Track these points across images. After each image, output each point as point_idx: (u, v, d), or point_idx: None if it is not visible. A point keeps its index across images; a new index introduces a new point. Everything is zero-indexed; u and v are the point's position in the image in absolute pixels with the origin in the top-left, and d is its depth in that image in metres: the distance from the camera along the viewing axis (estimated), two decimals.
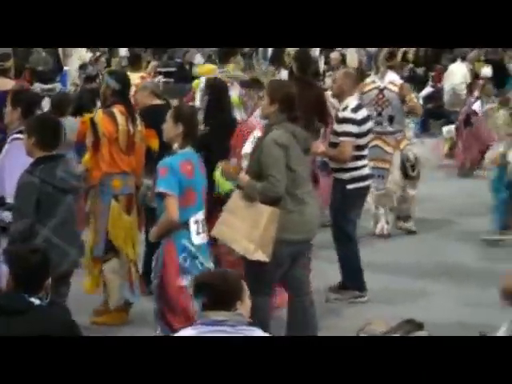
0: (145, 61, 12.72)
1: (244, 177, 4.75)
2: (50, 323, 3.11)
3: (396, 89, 7.80)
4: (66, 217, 4.68)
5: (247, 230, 4.52)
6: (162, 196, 4.31)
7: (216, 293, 2.89)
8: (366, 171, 6.37)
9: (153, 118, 5.62)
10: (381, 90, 7.81)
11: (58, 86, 11.94)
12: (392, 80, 7.92)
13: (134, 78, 8.53)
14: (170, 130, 4.49)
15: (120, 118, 5.43)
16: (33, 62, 13.00)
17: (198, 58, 14.65)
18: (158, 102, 6.44)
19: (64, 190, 4.67)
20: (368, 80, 8.20)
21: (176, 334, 3.09)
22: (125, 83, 5.78)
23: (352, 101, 6.21)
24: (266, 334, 3.08)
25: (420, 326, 4.64)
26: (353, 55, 14.11)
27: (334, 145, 6.18)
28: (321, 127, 7.08)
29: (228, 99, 6.50)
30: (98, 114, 5.56)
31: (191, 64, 14.16)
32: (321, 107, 7.18)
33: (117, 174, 5.47)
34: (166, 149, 4.82)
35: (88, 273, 5.57)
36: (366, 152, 6.38)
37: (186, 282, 4.22)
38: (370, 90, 7.88)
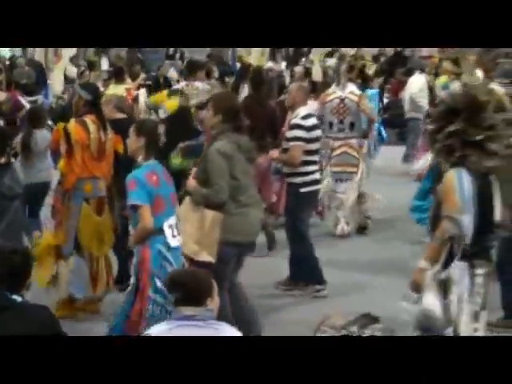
0: (136, 72, 13.26)
1: (191, 183, 5.08)
2: (32, 320, 3.19)
3: (356, 98, 8.35)
4: (13, 222, 4.95)
5: (193, 233, 4.87)
6: (134, 208, 4.57)
7: (187, 290, 3.12)
8: (316, 176, 6.82)
9: (115, 131, 6.00)
10: (342, 100, 8.34)
11: (40, 98, 12.34)
12: (352, 90, 8.47)
13: (119, 90, 9.53)
14: (132, 144, 4.75)
15: (92, 127, 5.74)
16: (16, 75, 13.67)
17: (171, 72, 14.97)
18: (120, 116, 6.73)
19: (12, 197, 4.94)
20: (330, 90, 8.69)
21: (150, 330, 3.29)
22: (96, 95, 6.12)
23: (303, 110, 6.68)
24: (234, 329, 3.27)
25: (376, 320, 4.93)
26: (317, 69, 14.77)
27: (285, 150, 6.66)
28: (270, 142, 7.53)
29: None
30: (71, 123, 5.81)
31: (165, 78, 14.51)
32: (271, 124, 7.73)
33: (88, 178, 5.78)
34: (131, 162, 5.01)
35: (39, 266, 5.65)
36: (316, 158, 6.85)
37: (159, 284, 4.44)
38: (332, 100, 8.42)
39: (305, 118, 6.57)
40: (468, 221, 3.83)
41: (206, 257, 4.81)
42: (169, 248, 4.58)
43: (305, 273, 6.67)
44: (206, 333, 3.00)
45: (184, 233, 4.78)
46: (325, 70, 14.64)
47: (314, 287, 6.58)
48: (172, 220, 4.68)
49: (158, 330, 3.17)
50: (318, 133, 6.80)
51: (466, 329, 3.89)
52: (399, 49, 17.62)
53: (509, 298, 5.68)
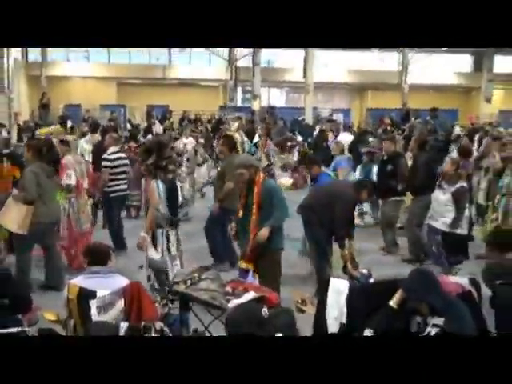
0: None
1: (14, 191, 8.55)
2: None
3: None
4: None
5: (14, 217, 7.73)
6: None
7: (95, 255, 5.26)
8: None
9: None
10: None
11: None
12: None
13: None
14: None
15: None
16: None
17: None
18: None
19: None
20: None
21: (74, 280, 5.06)
22: None
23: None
24: (123, 278, 5.09)
25: (207, 268, 5.93)
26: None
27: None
28: None
29: None
30: None
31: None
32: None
33: None
34: None
35: None
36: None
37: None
38: None
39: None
40: (163, 208, 7.02)
41: (20, 230, 7.73)
42: None
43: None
44: (104, 281, 4.98)
45: (8, 217, 7.82)
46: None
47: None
48: None
49: (77, 279, 5.06)
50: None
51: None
52: None
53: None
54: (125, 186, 10.29)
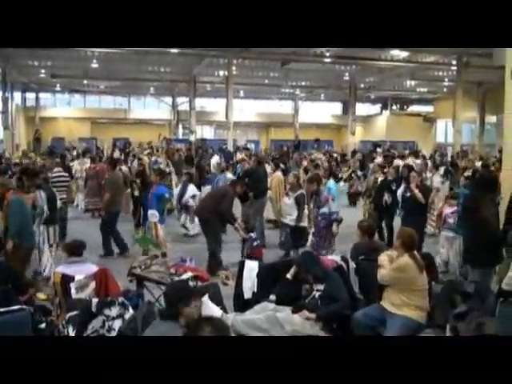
0: None
1: None
2: None
3: None
4: None
5: None
6: None
7: (73, 248, 5.06)
8: None
9: None
10: None
11: None
12: None
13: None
14: None
15: None
16: None
17: None
18: None
19: None
20: None
21: (57, 268, 4.99)
22: None
23: None
24: (94, 266, 4.97)
25: (157, 256, 6.09)
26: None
27: None
28: None
29: None
30: None
31: None
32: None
33: None
34: None
35: None
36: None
37: None
38: None
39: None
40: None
41: None
42: None
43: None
44: (80, 268, 4.85)
45: None
46: None
47: None
48: None
49: (60, 268, 4.96)
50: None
51: None
52: None
53: None
54: (64, 196, 9.55)
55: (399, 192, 8.09)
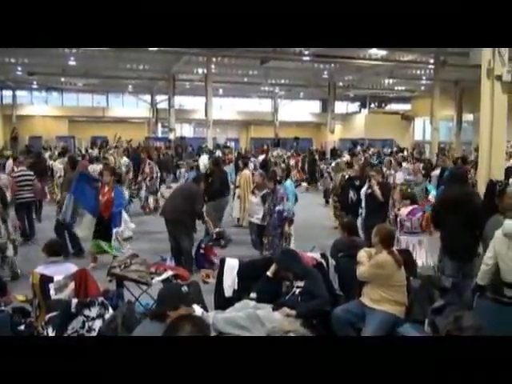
0: None
1: None
2: None
3: None
4: None
5: None
6: None
7: (52, 248, 5.07)
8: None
9: None
10: None
11: None
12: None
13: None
14: None
15: None
16: None
17: None
18: None
19: None
20: None
21: (37, 268, 4.84)
22: None
23: None
24: (73, 265, 4.99)
25: (136, 256, 5.88)
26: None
27: None
28: None
29: None
30: None
31: None
32: None
33: None
34: None
35: None
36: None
37: None
38: None
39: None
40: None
41: None
42: None
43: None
44: (59, 268, 4.84)
45: None
46: None
47: None
48: None
49: (38, 268, 4.87)
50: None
51: None
52: None
53: None
54: (30, 195, 9.49)
55: (363, 190, 7.92)
